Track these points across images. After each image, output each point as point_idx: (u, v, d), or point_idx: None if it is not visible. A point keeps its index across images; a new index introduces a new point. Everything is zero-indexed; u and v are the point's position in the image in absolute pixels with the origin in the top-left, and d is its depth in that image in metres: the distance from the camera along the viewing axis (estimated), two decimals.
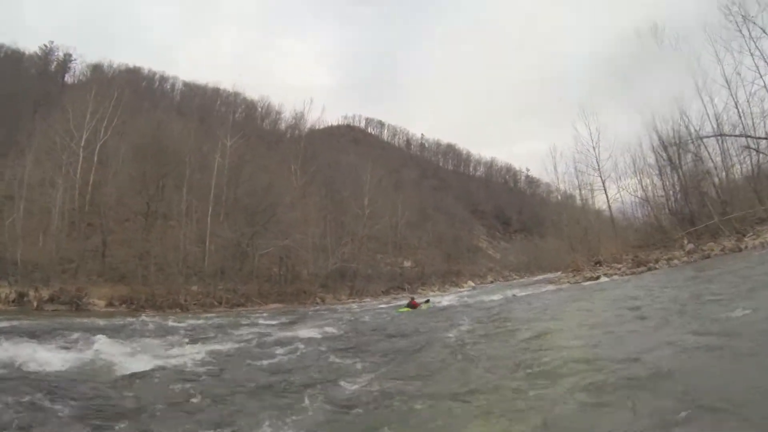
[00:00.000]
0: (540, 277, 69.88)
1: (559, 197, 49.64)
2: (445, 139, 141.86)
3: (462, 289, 57.89)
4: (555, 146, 57.30)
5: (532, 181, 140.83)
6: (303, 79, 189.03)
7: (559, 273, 49.71)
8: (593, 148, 42.63)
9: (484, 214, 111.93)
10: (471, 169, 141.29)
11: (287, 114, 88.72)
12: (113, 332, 14.36)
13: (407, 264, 61.64)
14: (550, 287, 30.57)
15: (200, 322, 20.37)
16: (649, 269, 28.11)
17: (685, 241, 30.59)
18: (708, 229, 30.78)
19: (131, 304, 30.05)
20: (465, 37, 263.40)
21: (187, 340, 13.49)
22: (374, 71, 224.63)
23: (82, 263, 32.71)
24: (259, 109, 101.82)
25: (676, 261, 28.09)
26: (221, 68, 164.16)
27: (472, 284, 68.73)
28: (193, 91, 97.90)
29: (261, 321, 20.89)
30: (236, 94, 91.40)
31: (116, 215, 37.58)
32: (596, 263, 35.61)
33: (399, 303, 32.09)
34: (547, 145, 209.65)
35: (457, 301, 30.07)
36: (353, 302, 40.30)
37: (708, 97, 33.51)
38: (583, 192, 47.03)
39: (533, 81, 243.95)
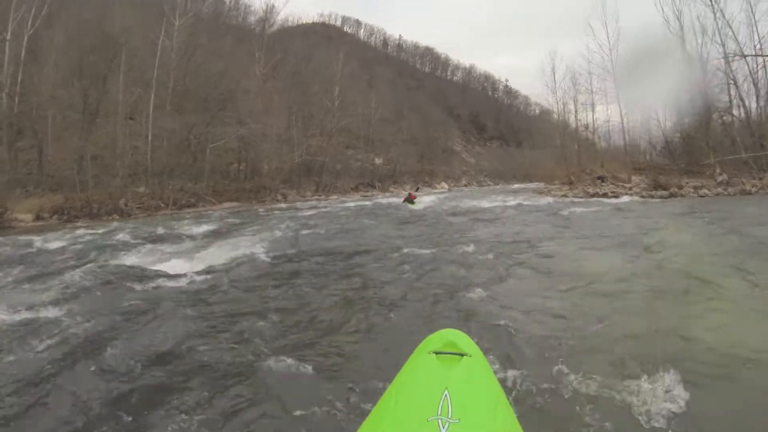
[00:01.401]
0: (519, 185, 66.82)
1: (554, 107, 44.06)
2: (424, 42, 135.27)
3: (435, 190, 54.45)
4: (555, 51, 50.76)
5: (510, 92, 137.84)
6: None
7: (541, 184, 47.18)
8: (609, 50, 35.88)
9: (459, 118, 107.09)
10: (449, 73, 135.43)
11: (257, 6, 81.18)
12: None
13: (379, 161, 57.39)
14: (549, 199, 26.83)
15: (130, 228, 16.26)
16: (673, 195, 25.13)
17: (717, 170, 27.23)
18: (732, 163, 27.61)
19: (62, 215, 25.68)
20: None
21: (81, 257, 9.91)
22: None
23: (13, 174, 28.02)
24: (227, 2, 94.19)
25: (705, 191, 25.23)
26: None
27: (446, 186, 65.46)
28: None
29: (199, 225, 16.92)
30: None
31: (53, 117, 32.20)
32: (598, 178, 31.93)
33: (363, 203, 28.57)
34: (527, 61, 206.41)
35: (438, 202, 26.16)
36: (318, 199, 36.42)
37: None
38: (578, 104, 42.06)
39: None
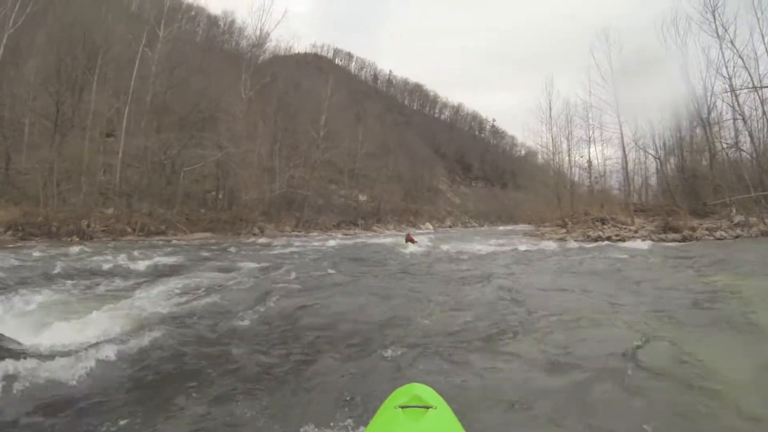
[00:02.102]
0: (506, 227, 64.76)
1: (544, 147, 41.48)
2: (414, 78, 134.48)
3: (420, 231, 51.99)
4: (551, 80, 48.12)
5: (496, 132, 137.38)
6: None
7: (529, 226, 45.35)
8: (612, 82, 33.49)
9: (445, 157, 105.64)
10: (437, 111, 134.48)
11: (250, 31, 79.11)
12: None
13: (363, 198, 55.06)
14: (548, 242, 23.67)
15: (76, 254, 14.39)
16: (686, 239, 23.15)
17: (733, 211, 25.46)
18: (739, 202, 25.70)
19: (18, 231, 23.21)
20: None
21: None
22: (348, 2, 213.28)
23: None
24: (222, 26, 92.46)
25: (722, 233, 23.20)
26: None
27: (431, 226, 63.26)
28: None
29: (156, 257, 14.33)
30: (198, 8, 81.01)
31: (26, 122, 29.35)
32: (598, 220, 29.81)
33: (345, 242, 25.98)
34: (515, 98, 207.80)
35: (428, 246, 23.62)
36: (298, 235, 33.78)
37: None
38: (572, 141, 39.88)
39: (512, 31, 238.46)
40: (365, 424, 2.00)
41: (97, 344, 4.40)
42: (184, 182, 32.87)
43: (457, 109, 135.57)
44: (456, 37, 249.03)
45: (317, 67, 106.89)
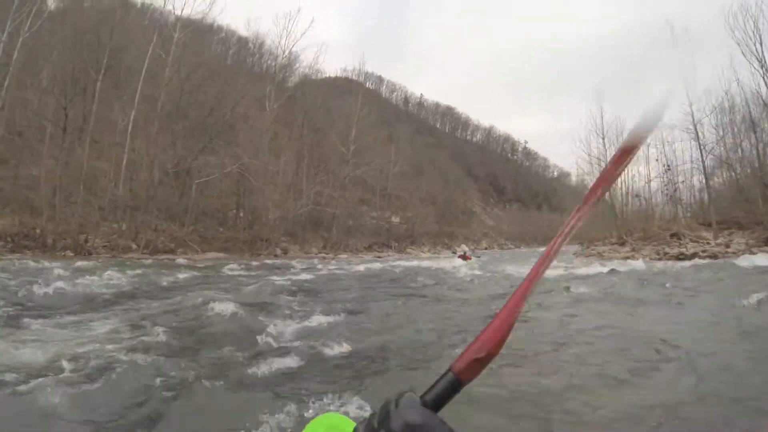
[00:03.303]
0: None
1: (594, 158, 37.00)
2: (445, 101, 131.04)
3: (456, 253, 47.78)
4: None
5: (529, 154, 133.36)
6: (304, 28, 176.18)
7: (574, 246, 41.35)
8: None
9: (478, 179, 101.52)
10: (468, 133, 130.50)
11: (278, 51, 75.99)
12: None
13: (396, 219, 51.07)
14: (636, 263, 19.08)
15: (54, 273, 11.51)
16: None
17: None
18: None
19: (10, 242, 20.32)
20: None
21: None
22: (379, 26, 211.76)
23: None
24: (251, 47, 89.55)
25: None
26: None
27: (466, 248, 58.83)
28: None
29: (147, 280, 11.89)
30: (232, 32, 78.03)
31: (34, 129, 26.20)
32: (673, 235, 25.58)
33: (378, 265, 21.82)
34: (545, 123, 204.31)
35: (476, 267, 19.57)
36: (324, 257, 29.81)
37: None
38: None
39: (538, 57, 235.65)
40: None
41: None
42: (200, 197, 29.39)
43: (488, 132, 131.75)
44: (486, 62, 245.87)
45: (347, 90, 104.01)
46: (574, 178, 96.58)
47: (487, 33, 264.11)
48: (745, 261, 15.78)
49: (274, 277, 13.80)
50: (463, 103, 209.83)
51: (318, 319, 6.59)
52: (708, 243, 23.38)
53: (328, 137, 42.00)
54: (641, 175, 38.02)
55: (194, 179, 26.63)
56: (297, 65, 45.84)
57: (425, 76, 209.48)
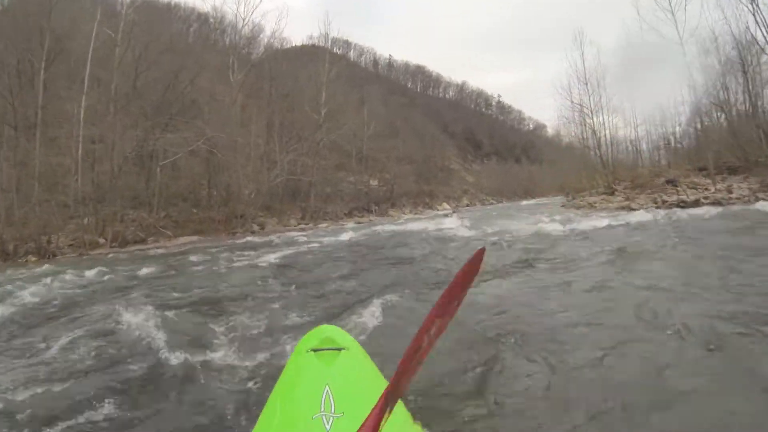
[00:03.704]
0: (529, 202, 59.62)
1: (578, 104, 35.62)
2: (415, 61, 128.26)
3: (439, 212, 46.92)
4: (582, 30, 41.32)
5: (503, 107, 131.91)
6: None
7: (556, 198, 41.19)
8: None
9: (454, 135, 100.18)
10: (441, 90, 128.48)
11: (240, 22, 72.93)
12: None
13: (374, 182, 49.87)
14: (618, 214, 18.17)
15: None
16: None
17: None
18: None
19: None
20: None
21: None
22: None
23: None
24: (211, 20, 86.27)
25: None
26: None
27: (448, 207, 58.22)
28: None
29: (103, 276, 10.91)
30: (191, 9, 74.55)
31: None
32: (668, 182, 25.10)
33: (362, 232, 20.93)
34: (518, 77, 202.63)
35: (466, 226, 18.54)
36: (304, 228, 28.68)
37: None
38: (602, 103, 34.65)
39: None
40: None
41: None
42: (169, 180, 28.05)
43: (461, 88, 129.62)
44: (454, 18, 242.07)
45: (315, 56, 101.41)
46: (550, 130, 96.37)
47: None
48: (737, 208, 15.14)
49: (245, 259, 12.67)
50: (433, 62, 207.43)
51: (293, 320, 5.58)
52: (707, 189, 22.55)
53: (299, 104, 40.43)
54: (627, 120, 37.20)
55: (159, 162, 25.14)
56: (261, 35, 43.90)
57: (393, 38, 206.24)
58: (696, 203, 20.17)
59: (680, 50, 26.32)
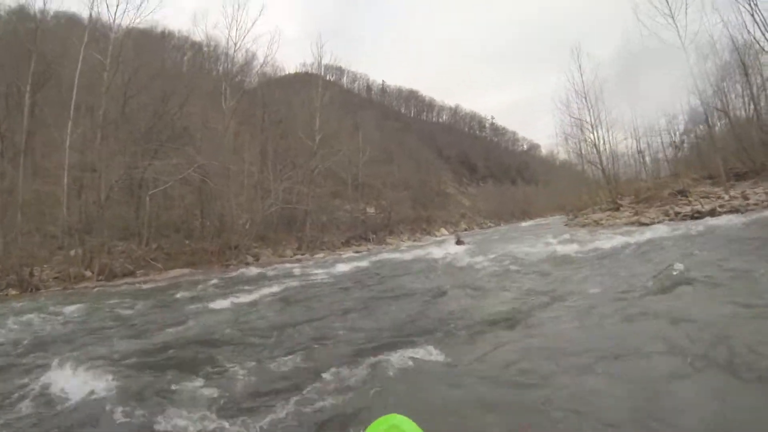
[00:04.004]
0: (528, 223, 58.67)
1: (577, 120, 34.82)
2: (407, 86, 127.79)
3: (437, 238, 45.98)
4: (579, 45, 40.02)
5: (497, 129, 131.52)
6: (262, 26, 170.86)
7: (556, 217, 40.40)
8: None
9: (449, 159, 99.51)
10: (434, 115, 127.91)
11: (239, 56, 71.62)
12: None
13: (370, 210, 48.76)
14: (631, 230, 17.16)
15: None
16: None
17: None
18: None
19: None
20: None
21: None
22: (336, 17, 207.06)
23: None
24: (205, 48, 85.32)
25: None
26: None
27: (446, 232, 57.16)
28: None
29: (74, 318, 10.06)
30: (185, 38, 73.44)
31: None
32: (678, 193, 24.65)
33: (360, 263, 19.54)
34: (510, 96, 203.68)
35: (470, 252, 17.56)
36: (300, 260, 27.54)
37: None
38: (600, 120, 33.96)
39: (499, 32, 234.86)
40: None
41: None
42: (160, 210, 26.90)
43: (454, 111, 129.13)
44: (445, 42, 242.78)
45: (307, 82, 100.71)
46: (544, 150, 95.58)
47: (444, 15, 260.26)
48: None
49: (237, 295, 11.59)
50: (426, 86, 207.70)
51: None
52: (720, 197, 21.68)
53: (292, 131, 39.47)
54: (627, 132, 36.43)
55: (149, 191, 24.05)
56: (254, 62, 43.04)
57: (386, 63, 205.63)
58: (712, 212, 19.49)
59: (679, 55, 25.77)
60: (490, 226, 69.09)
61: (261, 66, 43.10)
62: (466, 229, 63.32)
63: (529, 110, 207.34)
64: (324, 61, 44.66)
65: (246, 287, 13.51)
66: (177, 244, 26.51)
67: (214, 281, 16.56)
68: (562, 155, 44.13)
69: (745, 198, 20.25)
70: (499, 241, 23.28)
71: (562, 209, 41.59)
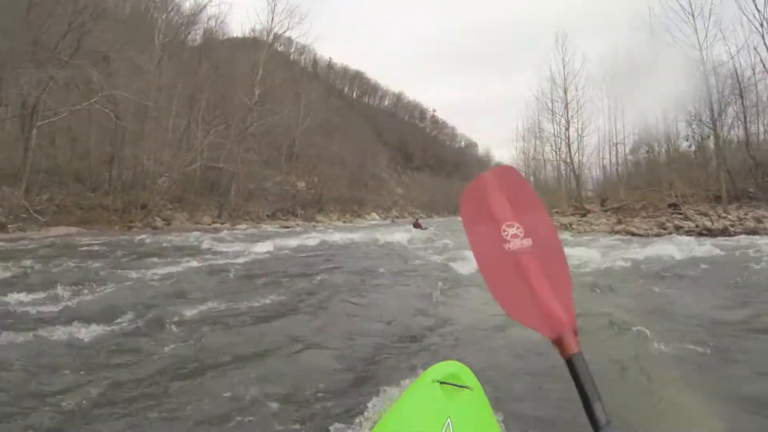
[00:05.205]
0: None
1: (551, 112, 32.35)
2: (354, 66, 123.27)
3: (365, 222, 44.50)
4: (565, 33, 37.91)
5: (437, 122, 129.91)
6: None
7: None
8: None
9: (387, 145, 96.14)
10: (377, 99, 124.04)
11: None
12: None
13: (302, 185, 44.91)
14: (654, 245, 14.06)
15: None
16: None
17: None
18: None
19: None
20: None
21: None
22: None
23: None
24: None
25: None
26: None
27: (377, 217, 54.18)
28: None
29: None
30: None
31: None
32: (670, 206, 22.65)
33: (280, 241, 15.23)
34: (454, 93, 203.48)
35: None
36: (218, 229, 23.52)
37: None
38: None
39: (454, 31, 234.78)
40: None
41: None
42: (58, 152, 22.20)
43: (398, 98, 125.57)
44: (399, 29, 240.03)
45: (255, 47, 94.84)
46: (480, 149, 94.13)
47: (404, 5, 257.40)
48: None
49: (117, 273, 7.79)
50: (372, 68, 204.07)
51: None
52: (721, 216, 19.68)
53: (230, 86, 34.99)
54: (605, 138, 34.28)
55: (35, 120, 18.97)
56: (202, 13, 37.85)
57: (335, 39, 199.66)
58: (725, 231, 17.94)
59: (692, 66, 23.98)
60: (422, 217, 66.49)
61: (208, 20, 38.41)
62: (397, 217, 60.53)
63: (470, 109, 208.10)
64: (273, 30, 39.59)
65: (137, 261, 9.70)
66: (75, 197, 21.91)
67: (99, 248, 12.47)
68: (507, 156, 42.22)
69: (758, 221, 18.27)
70: (456, 233, 20.23)
71: None
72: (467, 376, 2.00)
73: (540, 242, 1.02)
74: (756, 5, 22.05)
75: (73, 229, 18.16)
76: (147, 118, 23.37)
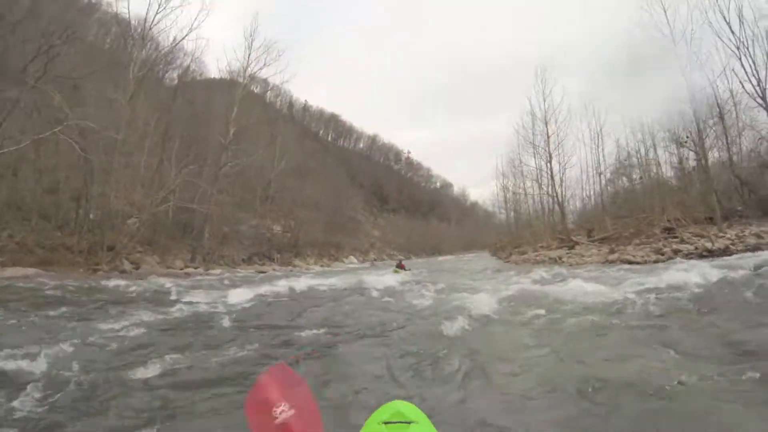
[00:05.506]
0: (445, 258, 56.01)
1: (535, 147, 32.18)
2: (329, 109, 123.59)
3: (344, 265, 43.68)
4: (544, 67, 37.72)
5: (412, 164, 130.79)
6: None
7: (482, 253, 38.98)
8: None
9: (362, 188, 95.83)
10: (352, 141, 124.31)
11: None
12: None
13: (277, 228, 43.58)
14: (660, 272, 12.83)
15: None
16: None
17: None
18: None
19: None
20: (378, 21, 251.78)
21: None
22: (277, 30, 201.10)
23: None
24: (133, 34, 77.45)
25: None
26: None
27: (355, 260, 53.03)
28: None
29: None
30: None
31: None
32: (665, 230, 22.64)
33: (269, 289, 13.75)
34: (429, 135, 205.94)
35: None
36: (190, 274, 22.15)
37: None
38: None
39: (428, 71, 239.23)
40: None
41: None
42: (21, 185, 20.75)
43: (372, 140, 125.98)
44: (373, 72, 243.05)
45: (232, 87, 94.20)
46: (456, 189, 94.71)
47: (379, 48, 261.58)
48: None
49: (69, 327, 6.51)
50: (346, 110, 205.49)
51: None
52: (718, 236, 19.27)
53: (205, 125, 33.94)
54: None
55: None
56: (180, 53, 36.89)
57: (310, 83, 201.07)
58: (726, 251, 17.54)
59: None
60: (400, 259, 65.49)
61: (184, 58, 37.58)
62: (375, 260, 59.49)
63: (445, 150, 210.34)
64: (251, 72, 38.79)
65: (96, 310, 8.40)
66: (38, 235, 20.36)
67: (54, 292, 11.09)
68: (487, 193, 42.36)
69: (759, 237, 17.99)
70: (456, 275, 19.41)
71: (472, 248, 39.82)
72: (413, 412, 1.97)
73: (300, 406, 1.73)
74: (731, 28, 22.78)
75: (32, 271, 16.57)
76: (116, 153, 21.98)
